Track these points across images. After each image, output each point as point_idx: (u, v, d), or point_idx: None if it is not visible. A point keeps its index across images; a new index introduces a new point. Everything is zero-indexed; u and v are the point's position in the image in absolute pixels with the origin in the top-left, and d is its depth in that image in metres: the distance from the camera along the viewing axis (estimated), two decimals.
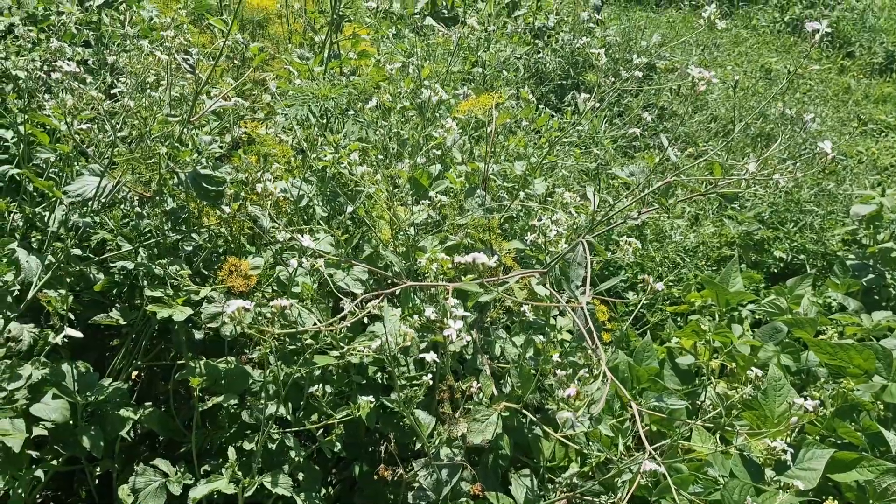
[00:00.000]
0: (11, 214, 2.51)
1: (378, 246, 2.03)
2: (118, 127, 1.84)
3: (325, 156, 1.85)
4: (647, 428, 2.26)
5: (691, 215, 3.71)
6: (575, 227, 1.84)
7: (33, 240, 2.56)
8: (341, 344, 1.45)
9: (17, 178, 2.49)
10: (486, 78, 3.26)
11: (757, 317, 3.16)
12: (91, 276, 2.14)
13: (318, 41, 3.17)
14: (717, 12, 1.82)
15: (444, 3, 6.96)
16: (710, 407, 1.72)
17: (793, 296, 3.08)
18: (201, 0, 3.19)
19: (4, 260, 1.92)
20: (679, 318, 3.28)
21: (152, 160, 2.00)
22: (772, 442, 1.38)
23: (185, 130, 1.97)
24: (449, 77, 3.08)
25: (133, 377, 2.65)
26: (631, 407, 1.47)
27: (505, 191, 2.16)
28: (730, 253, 3.59)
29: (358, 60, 3.05)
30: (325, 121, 2.04)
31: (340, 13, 2.86)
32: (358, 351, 1.51)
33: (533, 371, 1.77)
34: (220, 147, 1.88)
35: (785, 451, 1.38)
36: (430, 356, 1.36)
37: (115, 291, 2.40)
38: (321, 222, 1.92)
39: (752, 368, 1.60)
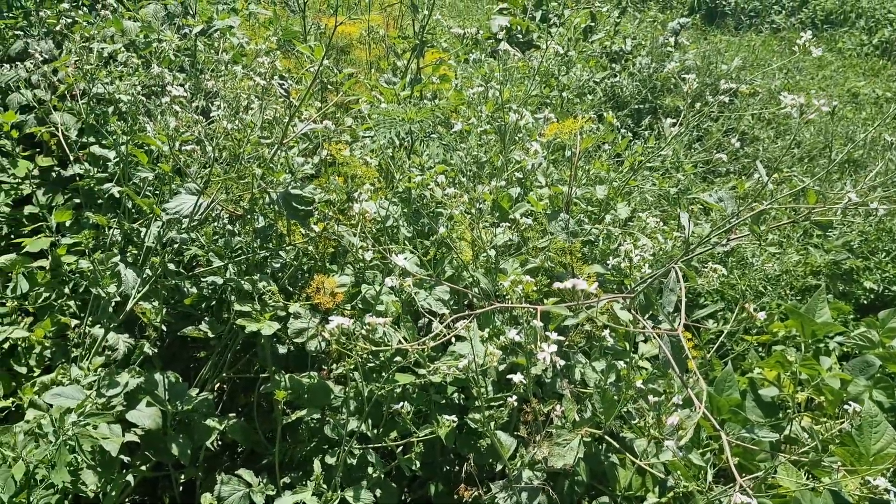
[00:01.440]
0: (111, 230, 2.65)
1: (459, 267, 2.05)
2: (215, 149, 1.93)
3: (412, 178, 1.88)
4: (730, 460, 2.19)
5: (775, 242, 3.60)
6: (661, 252, 1.82)
7: (129, 255, 2.69)
8: (427, 363, 1.47)
9: (117, 195, 2.63)
10: (565, 102, 3.27)
11: (845, 349, 3.03)
12: (185, 289, 2.23)
13: (401, 66, 3.24)
14: (813, 39, 1.78)
15: (519, 28, 7.02)
16: (801, 442, 1.66)
17: (885, 329, 2.95)
18: (288, 29, 3.32)
19: (108, 273, 2.02)
20: (761, 349, 3.19)
21: (245, 180, 2.08)
22: (874, 480, 1.32)
23: (277, 151, 2.05)
24: (528, 101, 3.09)
25: (217, 388, 2.75)
26: (716, 437, 1.44)
27: (585, 214, 2.15)
28: (815, 282, 3.47)
29: (439, 84, 3.11)
30: (409, 143, 2.09)
31: (423, 39, 2.93)
32: (442, 371, 1.52)
33: (615, 397, 1.75)
34: (311, 168, 1.94)
35: (888, 491, 1.32)
36: (518, 377, 1.36)
37: (204, 305, 2.49)
38: (406, 243, 1.96)
39: (850, 403, 1.54)
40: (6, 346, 2.83)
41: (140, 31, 2.95)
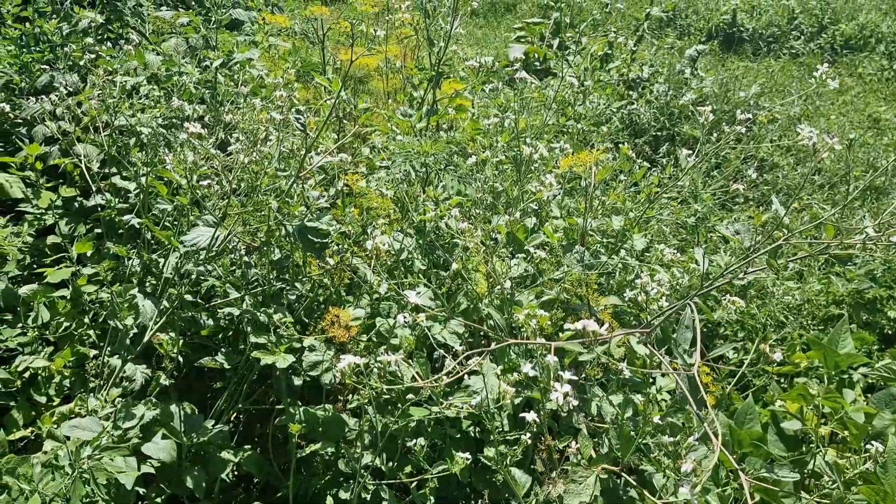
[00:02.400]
0: (130, 260, 2.68)
1: (475, 299, 2.04)
2: (232, 181, 1.95)
3: (427, 212, 1.89)
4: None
5: (795, 271, 3.56)
6: (678, 286, 1.80)
7: (148, 285, 2.72)
8: (441, 400, 1.46)
9: (137, 226, 2.66)
10: (582, 131, 3.27)
11: (869, 381, 2.97)
12: (201, 321, 2.25)
13: (418, 96, 3.27)
14: (830, 71, 1.77)
15: (536, 56, 7.06)
16: (824, 479, 1.62)
17: None
18: (307, 61, 3.36)
19: (126, 305, 2.04)
20: (783, 379, 3.13)
21: (262, 213, 2.10)
22: None
23: (293, 184, 2.06)
24: (544, 130, 3.11)
25: (232, 419, 2.75)
26: (736, 473, 1.40)
27: (602, 245, 2.14)
28: (837, 312, 3.41)
29: (456, 115, 3.13)
30: (425, 175, 2.10)
31: (440, 70, 2.95)
32: (455, 406, 1.51)
33: (632, 433, 1.72)
34: (327, 202, 1.96)
35: None
36: (531, 416, 1.35)
37: (220, 336, 2.51)
38: (420, 275, 1.96)
39: (873, 442, 1.50)
40: (27, 375, 2.86)
41: (161, 64, 3.00)
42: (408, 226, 2.01)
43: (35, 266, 3.25)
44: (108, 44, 3.67)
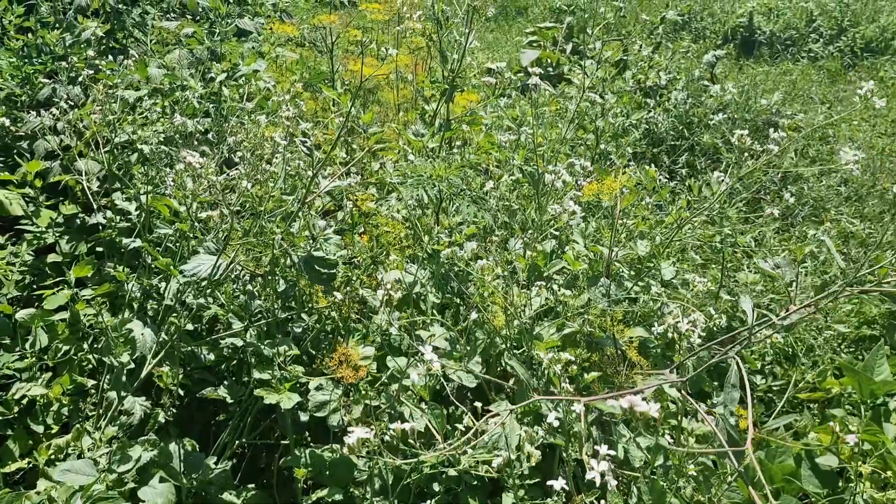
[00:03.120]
0: (130, 284, 2.57)
1: (492, 333, 1.91)
2: (233, 208, 1.83)
3: (440, 241, 1.77)
4: None
5: (799, 259, 3.40)
6: (715, 327, 1.67)
7: (150, 308, 2.60)
8: (458, 457, 1.33)
9: (138, 248, 2.56)
10: (600, 144, 3.14)
11: None
12: (201, 356, 2.13)
13: (430, 110, 3.15)
14: (876, 90, 1.63)
15: (549, 61, 6.92)
16: None
17: None
18: (316, 72, 3.25)
19: (121, 340, 1.93)
20: (813, 405, 2.98)
21: (266, 241, 1.98)
22: None
23: (299, 211, 1.94)
24: (562, 145, 2.98)
25: (237, 451, 2.63)
26: None
27: (626, 272, 2.01)
28: (869, 332, 3.26)
29: (470, 129, 3.00)
30: (438, 200, 1.97)
31: (453, 83, 2.83)
32: (473, 461, 1.38)
33: (664, 485, 1.59)
34: (335, 232, 1.83)
35: None
36: (559, 484, 1.22)
37: (224, 366, 2.39)
38: (434, 311, 1.84)
39: None
40: (24, 402, 2.76)
41: (164, 77, 2.89)
42: (421, 256, 1.88)
43: (35, 287, 3.14)
44: (110, 56, 3.57)
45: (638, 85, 4.99)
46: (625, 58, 5.89)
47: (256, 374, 1.99)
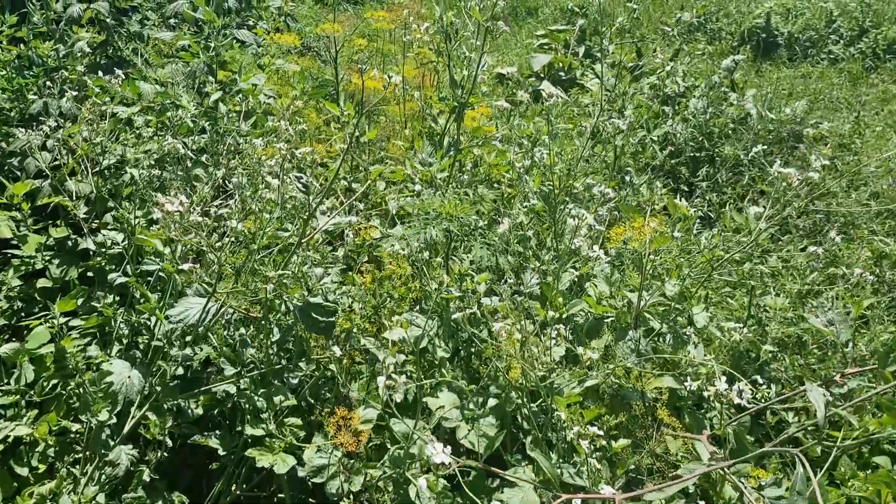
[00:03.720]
0: (118, 321, 2.41)
1: (507, 387, 1.73)
2: (222, 250, 1.66)
3: (451, 290, 1.59)
4: None
5: (856, 316, 3.20)
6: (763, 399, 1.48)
7: (141, 342, 2.43)
8: None
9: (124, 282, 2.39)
10: (619, 164, 2.95)
11: None
12: (188, 411, 1.96)
13: (439, 127, 2.97)
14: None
15: (561, 65, 6.72)
16: None
17: None
18: (317, 86, 3.07)
19: (100, 394, 1.76)
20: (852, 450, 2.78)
21: (258, 280, 1.81)
22: None
23: (296, 250, 1.77)
24: (578, 161, 2.79)
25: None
26: None
27: (655, 314, 1.82)
28: None
29: (481, 148, 2.82)
30: (449, 241, 1.79)
31: (464, 100, 2.65)
32: None
33: None
34: (333, 281, 1.66)
35: None
36: None
37: (216, 411, 2.22)
38: (444, 371, 1.66)
39: None
40: (10, 440, 2.60)
41: (156, 96, 2.72)
42: (429, 305, 1.70)
43: (24, 314, 2.99)
44: (104, 69, 3.40)
45: (655, 93, 4.79)
46: (640, 63, 5.69)
47: (249, 430, 1.82)
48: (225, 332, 1.88)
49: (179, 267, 1.58)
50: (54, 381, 2.69)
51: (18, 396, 2.59)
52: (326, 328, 1.74)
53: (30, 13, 3.85)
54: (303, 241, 1.74)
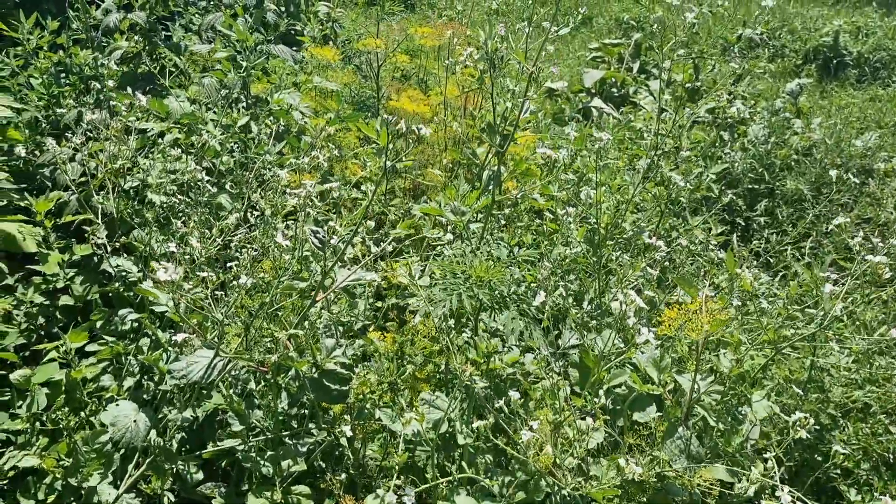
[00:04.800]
0: (128, 358, 2.29)
1: (536, 475, 1.54)
2: (228, 311, 1.50)
3: (475, 373, 1.41)
4: None
5: None
6: None
7: (147, 385, 2.31)
8: None
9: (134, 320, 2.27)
10: (674, 202, 2.73)
11: None
12: (188, 476, 1.81)
13: (481, 153, 2.79)
14: None
15: (614, 81, 6.46)
16: None
17: None
18: (355, 112, 2.92)
19: (93, 455, 1.62)
20: None
21: (269, 339, 1.65)
22: None
23: (308, 313, 1.61)
24: (629, 202, 2.59)
25: None
26: None
27: (707, 407, 1.60)
28: None
29: (522, 180, 2.64)
30: (478, 310, 1.61)
31: (506, 133, 2.45)
32: None
33: None
34: (346, 355, 1.49)
35: None
36: None
37: (223, 463, 2.08)
38: (464, 464, 1.48)
39: None
40: (19, 469, 2.51)
41: (183, 117, 2.60)
42: (454, 386, 1.53)
43: (43, 333, 2.91)
44: (137, 82, 3.31)
45: (713, 116, 4.53)
46: (698, 84, 5.41)
47: (252, 500, 1.66)
48: (231, 391, 1.73)
49: (173, 338, 1.43)
50: (67, 409, 2.59)
51: (29, 424, 2.50)
52: (339, 397, 1.57)
53: (70, 20, 3.80)
54: (317, 300, 1.58)
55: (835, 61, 7.38)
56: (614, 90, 6.33)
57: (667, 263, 2.38)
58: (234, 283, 1.49)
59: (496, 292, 1.51)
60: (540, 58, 2.56)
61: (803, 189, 3.91)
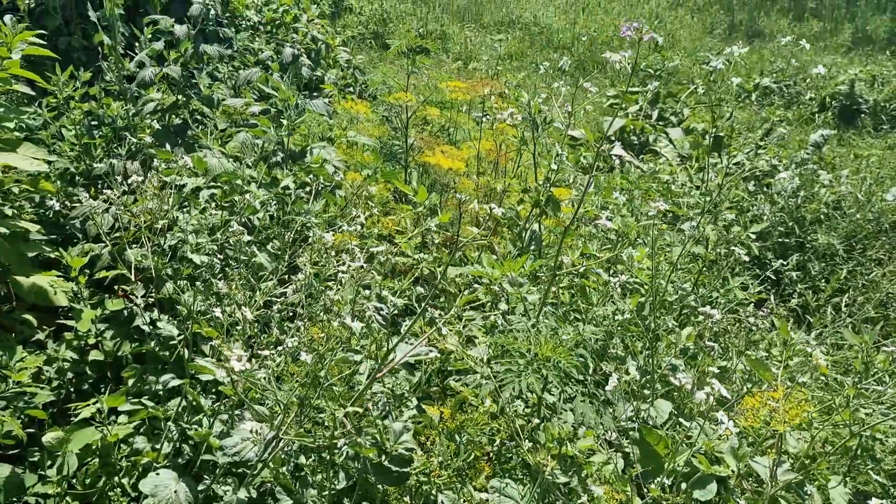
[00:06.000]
0: (167, 424, 2.24)
1: None
2: (288, 397, 1.46)
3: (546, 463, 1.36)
4: None
5: None
6: None
7: (188, 451, 2.26)
8: None
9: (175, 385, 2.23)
10: (711, 263, 2.69)
11: None
12: None
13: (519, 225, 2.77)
14: None
15: (633, 129, 6.48)
16: None
17: None
18: (385, 169, 2.91)
19: None
20: None
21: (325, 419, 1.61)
22: None
23: (369, 385, 1.56)
24: (675, 266, 2.55)
25: None
26: None
27: (789, 500, 1.55)
28: None
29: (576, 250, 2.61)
30: (542, 388, 1.57)
31: (550, 196, 2.44)
32: None
33: None
34: (412, 439, 1.44)
35: None
36: None
37: None
38: None
39: None
40: None
41: (222, 176, 2.58)
42: (515, 466, 1.48)
43: (73, 390, 2.86)
44: (171, 133, 3.31)
45: (740, 170, 4.52)
46: (720, 133, 5.41)
47: None
48: (283, 468, 1.68)
49: (241, 426, 1.39)
50: (99, 472, 2.53)
51: (59, 488, 2.44)
52: (399, 479, 1.52)
53: (103, 70, 3.82)
54: (378, 376, 1.54)
55: (851, 109, 7.41)
56: (633, 138, 6.35)
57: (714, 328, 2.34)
58: (291, 359, 1.45)
59: (563, 374, 1.47)
60: (577, 116, 2.55)
61: (835, 244, 3.87)
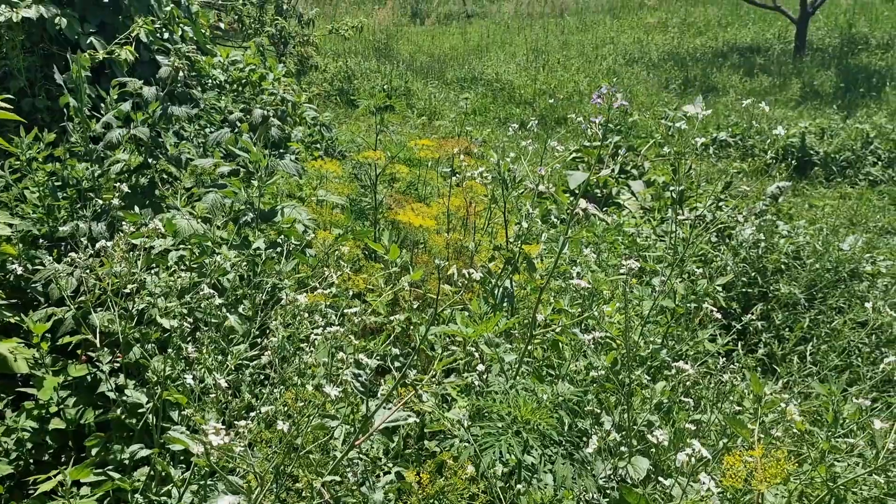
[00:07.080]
0: (135, 496, 2.17)
1: None
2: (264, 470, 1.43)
3: None
4: None
5: None
6: None
7: None
8: None
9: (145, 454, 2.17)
10: (679, 315, 2.74)
11: None
12: None
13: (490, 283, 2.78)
14: None
15: (596, 181, 6.63)
16: None
17: None
18: (356, 227, 2.92)
19: None
20: None
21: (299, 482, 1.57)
22: None
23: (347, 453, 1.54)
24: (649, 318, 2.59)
25: None
26: None
27: None
28: None
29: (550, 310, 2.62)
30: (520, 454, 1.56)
31: (521, 250, 2.46)
32: None
33: None
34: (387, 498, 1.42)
35: None
36: None
37: None
38: None
39: None
40: None
41: (193, 239, 2.56)
42: None
43: (32, 462, 2.75)
44: (137, 195, 3.29)
45: (701, 223, 4.62)
46: (681, 188, 5.56)
47: None
48: None
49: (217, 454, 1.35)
50: None
51: None
52: None
53: (68, 132, 3.80)
54: (356, 444, 1.51)
55: (803, 160, 7.68)
56: (597, 191, 6.49)
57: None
58: (265, 424, 1.42)
59: (544, 437, 1.46)
60: (548, 176, 2.61)
61: (797, 293, 3.96)
